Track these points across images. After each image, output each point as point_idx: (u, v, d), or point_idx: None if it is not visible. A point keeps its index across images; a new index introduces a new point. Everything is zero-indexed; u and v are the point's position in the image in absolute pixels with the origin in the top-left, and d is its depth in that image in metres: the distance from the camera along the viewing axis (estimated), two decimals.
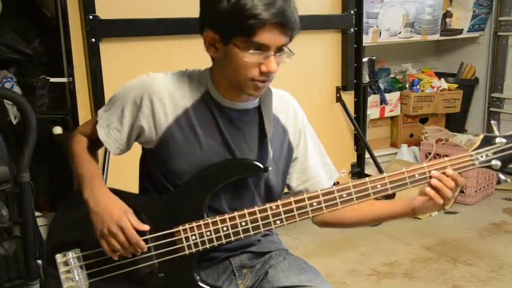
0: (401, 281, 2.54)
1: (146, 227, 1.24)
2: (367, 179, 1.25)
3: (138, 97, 1.29)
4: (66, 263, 1.29)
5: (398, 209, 1.35)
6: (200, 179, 1.27)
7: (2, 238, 2.19)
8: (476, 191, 3.51)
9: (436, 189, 1.24)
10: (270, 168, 1.29)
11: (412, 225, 3.17)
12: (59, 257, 1.29)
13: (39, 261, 2.22)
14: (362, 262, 2.72)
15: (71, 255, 1.29)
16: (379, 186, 1.24)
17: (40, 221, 2.56)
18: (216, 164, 1.28)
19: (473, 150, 1.27)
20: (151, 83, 1.30)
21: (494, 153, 1.26)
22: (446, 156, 1.30)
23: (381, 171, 2.99)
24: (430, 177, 1.25)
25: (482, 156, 1.26)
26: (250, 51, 1.17)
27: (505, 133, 1.27)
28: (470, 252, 2.80)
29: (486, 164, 1.26)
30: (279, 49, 1.20)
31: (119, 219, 1.21)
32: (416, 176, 1.25)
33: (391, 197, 3.15)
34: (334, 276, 2.55)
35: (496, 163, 1.26)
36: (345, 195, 1.24)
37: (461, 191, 3.49)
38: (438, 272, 2.61)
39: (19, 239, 2.21)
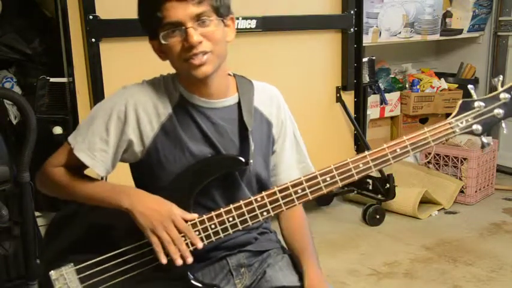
0: (401, 281, 2.54)
1: (194, 215, 1.23)
2: (348, 159, 1.23)
3: (121, 112, 1.27)
4: (60, 279, 1.27)
5: None
6: (183, 181, 1.27)
7: (2, 238, 2.19)
8: (476, 191, 3.51)
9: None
10: (251, 161, 1.28)
11: (412, 225, 3.17)
12: (53, 274, 1.27)
13: (39, 261, 2.23)
14: (362, 262, 2.72)
15: (65, 270, 1.27)
16: (361, 165, 1.22)
17: (40, 221, 2.56)
18: (196, 163, 1.28)
19: (453, 118, 1.25)
20: (132, 94, 1.28)
21: (474, 117, 1.23)
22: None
23: (381, 171, 2.99)
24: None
25: (462, 123, 1.24)
26: (165, 34, 1.20)
27: (483, 96, 1.24)
28: (470, 252, 2.80)
29: (467, 130, 1.24)
30: (198, 19, 1.19)
31: (169, 213, 1.20)
32: (398, 150, 1.22)
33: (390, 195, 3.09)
34: (334, 276, 2.55)
35: (477, 127, 1.23)
36: (328, 179, 1.22)
37: (461, 191, 3.49)
38: (438, 272, 2.61)
39: (19, 239, 2.21)
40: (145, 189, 1.29)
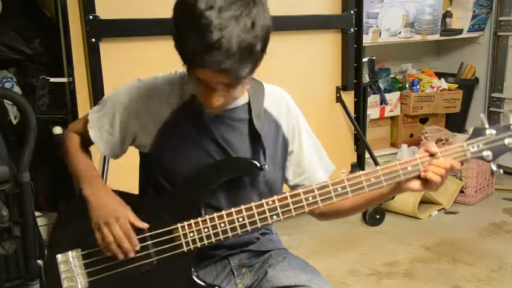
0: (401, 281, 2.54)
1: (144, 225, 1.27)
2: (360, 172, 1.27)
3: (130, 103, 1.30)
4: (66, 263, 1.31)
5: (385, 188, 1.31)
6: (198, 178, 1.29)
7: (2, 238, 2.19)
8: (476, 191, 3.51)
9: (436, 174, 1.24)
10: (266, 166, 1.30)
11: (412, 225, 3.18)
12: (59, 257, 1.31)
13: (39, 261, 2.23)
14: (362, 262, 2.72)
15: (71, 254, 1.31)
16: (372, 179, 1.26)
17: (40, 221, 2.56)
18: (213, 163, 1.30)
19: (465, 142, 1.29)
20: (145, 88, 1.31)
21: (485, 144, 1.28)
22: None
23: None
24: (425, 170, 1.25)
25: (473, 147, 1.28)
26: (195, 80, 1.18)
27: (495, 125, 1.29)
28: (470, 252, 2.80)
29: (478, 155, 1.28)
30: (225, 84, 1.16)
31: (116, 212, 1.25)
32: (409, 168, 1.27)
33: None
34: (334, 276, 2.55)
35: (488, 154, 1.27)
36: (339, 189, 1.26)
37: (461, 191, 3.49)
38: (438, 272, 2.61)
39: (19, 239, 2.21)
40: (158, 183, 1.31)
